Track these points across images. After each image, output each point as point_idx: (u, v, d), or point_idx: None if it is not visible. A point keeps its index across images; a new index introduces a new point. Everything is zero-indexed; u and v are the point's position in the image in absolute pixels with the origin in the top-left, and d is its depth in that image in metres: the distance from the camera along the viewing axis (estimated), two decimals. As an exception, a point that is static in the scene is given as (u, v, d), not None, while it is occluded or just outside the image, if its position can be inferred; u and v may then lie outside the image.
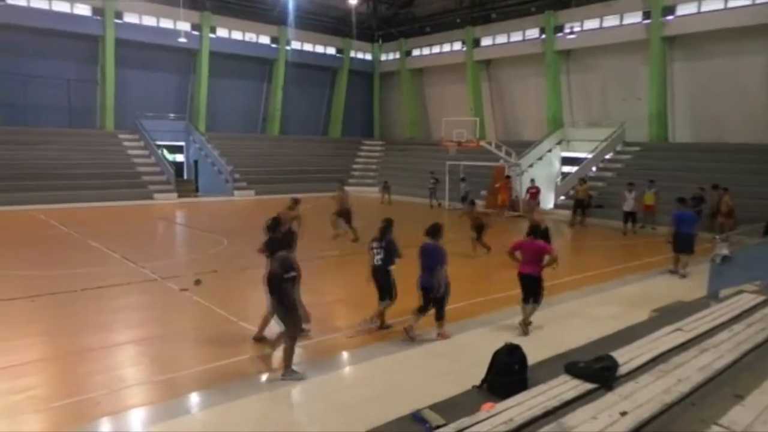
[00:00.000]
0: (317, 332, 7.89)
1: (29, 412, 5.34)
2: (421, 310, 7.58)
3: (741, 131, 23.32)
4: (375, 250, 7.84)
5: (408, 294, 7.82)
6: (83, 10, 28.54)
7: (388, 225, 8.00)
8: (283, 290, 6.01)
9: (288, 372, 6.13)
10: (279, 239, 6.82)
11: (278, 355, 6.54)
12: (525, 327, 7.88)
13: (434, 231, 7.67)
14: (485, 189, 25.43)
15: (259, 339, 7.31)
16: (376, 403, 5.51)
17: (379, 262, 7.80)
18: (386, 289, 7.81)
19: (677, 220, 12.14)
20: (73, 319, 8.17)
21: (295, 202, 12.27)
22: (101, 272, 11.13)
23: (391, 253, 7.78)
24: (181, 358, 6.94)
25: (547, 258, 7.96)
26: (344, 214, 15.33)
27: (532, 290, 7.92)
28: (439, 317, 7.57)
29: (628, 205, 17.82)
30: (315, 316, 8.72)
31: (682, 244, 11.91)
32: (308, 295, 10.23)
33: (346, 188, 17.22)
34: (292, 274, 6.05)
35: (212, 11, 32.14)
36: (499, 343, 5.14)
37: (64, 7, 27.93)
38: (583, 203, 19.93)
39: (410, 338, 7.38)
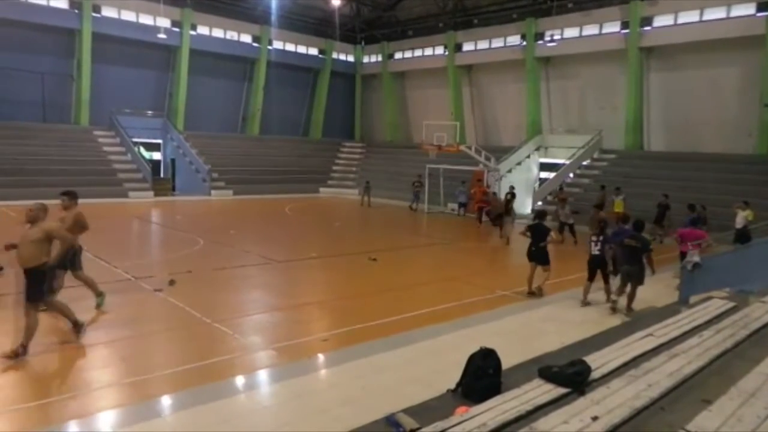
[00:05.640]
0: (291, 335, 7.84)
1: (-7, 414, 5.17)
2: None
3: (714, 141, 23.88)
4: (593, 242, 9.52)
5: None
6: (60, 2, 27.99)
7: (605, 224, 9.74)
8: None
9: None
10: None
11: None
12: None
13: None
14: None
15: None
16: (349, 407, 5.48)
17: (597, 252, 9.44)
18: (604, 272, 9.63)
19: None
20: (41, 321, 7.94)
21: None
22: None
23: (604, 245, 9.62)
24: (153, 360, 6.80)
25: (704, 242, 10.40)
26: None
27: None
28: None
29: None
30: (287, 319, 8.71)
31: None
32: (281, 298, 10.17)
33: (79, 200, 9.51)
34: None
35: (193, 8, 31.78)
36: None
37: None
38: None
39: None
